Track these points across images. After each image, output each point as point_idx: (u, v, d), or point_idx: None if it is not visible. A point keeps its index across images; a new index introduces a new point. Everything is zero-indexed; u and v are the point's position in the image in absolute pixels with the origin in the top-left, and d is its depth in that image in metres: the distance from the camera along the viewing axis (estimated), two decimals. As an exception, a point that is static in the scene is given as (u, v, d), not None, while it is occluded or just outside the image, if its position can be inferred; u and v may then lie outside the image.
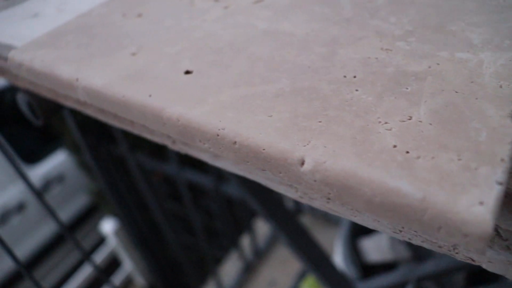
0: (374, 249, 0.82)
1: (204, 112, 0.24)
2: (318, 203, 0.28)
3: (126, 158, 1.00)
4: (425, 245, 0.26)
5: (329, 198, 0.24)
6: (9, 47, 0.40)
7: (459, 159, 0.20)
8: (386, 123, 0.23)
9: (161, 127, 0.26)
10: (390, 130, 0.23)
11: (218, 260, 1.20)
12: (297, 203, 1.24)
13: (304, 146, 0.22)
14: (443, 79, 0.26)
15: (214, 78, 0.27)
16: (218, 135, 0.24)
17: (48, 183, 2.16)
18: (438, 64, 0.27)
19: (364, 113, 0.24)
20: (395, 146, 0.22)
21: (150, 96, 0.26)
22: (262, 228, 1.17)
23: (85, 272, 1.63)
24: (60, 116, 1.64)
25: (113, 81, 0.28)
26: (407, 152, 0.21)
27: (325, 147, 0.22)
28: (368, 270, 0.84)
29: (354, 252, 0.85)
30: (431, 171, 0.20)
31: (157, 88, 0.27)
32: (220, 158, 0.31)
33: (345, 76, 0.26)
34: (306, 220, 1.21)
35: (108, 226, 1.64)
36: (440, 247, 0.26)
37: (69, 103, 0.39)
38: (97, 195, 1.86)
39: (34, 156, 2.10)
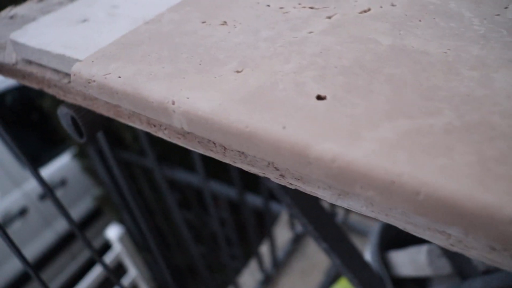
0: (409, 263, 0.77)
1: (367, 151, 0.19)
2: (476, 253, 0.23)
3: (153, 170, 0.93)
4: None
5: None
6: (64, 58, 0.33)
7: None
8: None
9: (302, 168, 0.20)
10: None
11: (236, 270, 1.14)
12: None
13: (514, 201, 0.17)
14: None
15: (359, 107, 0.21)
16: (393, 182, 0.18)
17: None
18: None
19: None
20: None
21: (284, 128, 0.20)
22: (282, 238, 1.11)
23: (89, 278, 1.54)
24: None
25: (226, 106, 0.22)
26: None
27: (538, 202, 0.17)
28: (397, 284, 0.79)
29: (384, 265, 0.80)
30: None
31: (289, 118, 0.21)
32: (347, 198, 0.25)
33: (517, 107, 0.21)
34: (324, 230, 1.15)
35: (113, 232, 1.55)
36: None
37: (134, 124, 0.32)
38: (101, 200, 1.76)
39: (36, 160, 1.98)
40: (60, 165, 2.06)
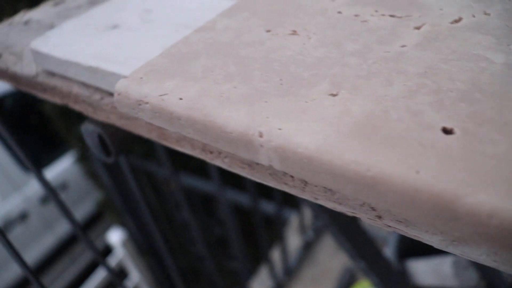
0: (431, 273, 0.74)
1: (538, 208, 0.14)
2: None
3: (169, 179, 0.87)
4: None
5: None
6: (97, 71, 0.28)
7: None
8: None
9: (442, 222, 0.15)
10: None
11: (244, 275, 1.09)
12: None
13: None
14: None
15: (501, 144, 0.16)
16: None
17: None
18: None
19: None
20: None
21: (418, 172, 0.15)
22: (292, 244, 1.07)
23: (91, 283, 1.47)
24: (66, 124, 1.47)
25: (334, 142, 0.17)
26: None
27: None
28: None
29: (402, 273, 0.77)
30: None
31: (420, 159, 0.16)
32: (462, 245, 0.20)
33: None
34: (335, 235, 1.11)
35: (115, 236, 1.48)
36: None
37: (183, 148, 0.27)
38: (103, 204, 1.69)
39: (36, 163, 1.88)
40: (61, 169, 1.97)
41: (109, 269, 0.55)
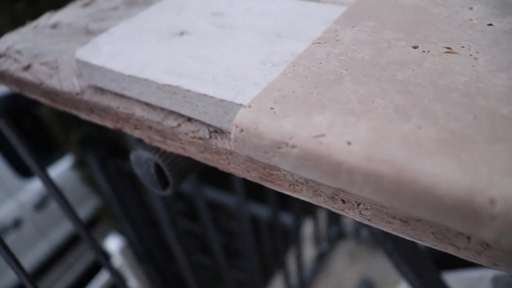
0: (464, 289, 0.70)
1: None
2: None
3: (194, 195, 0.80)
4: None
5: None
6: (179, 91, 0.22)
7: None
8: None
9: None
10: None
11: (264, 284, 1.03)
12: (339, 226, 1.10)
13: None
14: None
15: None
16: None
17: (45, 198, 1.81)
18: None
19: None
20: None
21: None
22: (304, 255, 1.01)
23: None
24: (64, 129, 1.35)
25: None
26: None
27: None
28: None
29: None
30: None
31: None
32: None
33: None
34: (350, 245, 1.07)
35: (113, 243, 1.39)
36: None
37: (296, 193, 0.21)
38: (100, 211, 1.58)
39: (30, 169, 1.74)
40: (56, 174, 1.83)
41: (112, 270, 0.50)
